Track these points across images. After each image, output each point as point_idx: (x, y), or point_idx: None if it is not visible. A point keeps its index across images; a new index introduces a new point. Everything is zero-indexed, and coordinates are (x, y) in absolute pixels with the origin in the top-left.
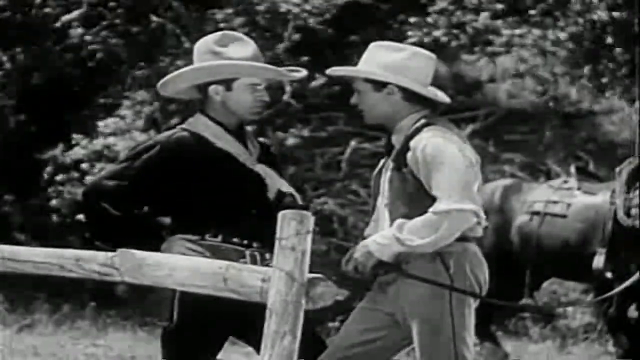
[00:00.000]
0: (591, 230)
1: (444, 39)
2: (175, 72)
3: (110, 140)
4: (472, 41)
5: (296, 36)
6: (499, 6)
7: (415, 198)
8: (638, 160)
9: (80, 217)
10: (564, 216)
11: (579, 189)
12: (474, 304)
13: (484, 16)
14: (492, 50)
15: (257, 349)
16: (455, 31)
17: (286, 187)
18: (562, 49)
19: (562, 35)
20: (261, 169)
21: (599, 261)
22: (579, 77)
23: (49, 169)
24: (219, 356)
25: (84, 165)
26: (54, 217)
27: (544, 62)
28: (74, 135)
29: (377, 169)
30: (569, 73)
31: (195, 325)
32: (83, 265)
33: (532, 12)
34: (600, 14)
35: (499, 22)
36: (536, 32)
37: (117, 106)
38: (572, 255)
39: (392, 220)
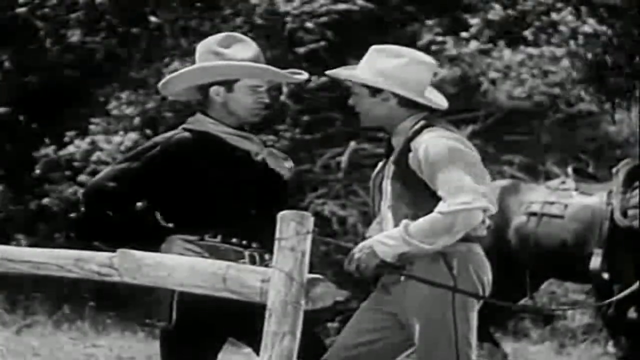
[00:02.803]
0: (588, 231)
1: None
2: (177, 72)
3: (100, 139)
4: (468, 71)
5: (295, 37)
6: (491, 33)
7: (418, 199)
8: (637, 160)
9: (75, 216)
10: (561, 217)
11: (576, 189)
12: (477, 305)
13: (476, 44)
14: (491, 78)
15: (257, 349)
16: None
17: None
18: (559, 68)
19: (559, 52)
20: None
21: (596, 262)
22: (579, 79)
23: (42, 167)
24: (218, 357)
25: (77, 164)
26: (49, 216)
27: (543, 82)
28: (67, 134)
29: (375, 171)
30: (569, 75)
31: (194, 326)
32: (82, 265)
33: (525, 33)
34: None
35: (494, 51)
36: (533, 51)
37: (109, 105)
38: (569, 256)
39: (396, 221)
